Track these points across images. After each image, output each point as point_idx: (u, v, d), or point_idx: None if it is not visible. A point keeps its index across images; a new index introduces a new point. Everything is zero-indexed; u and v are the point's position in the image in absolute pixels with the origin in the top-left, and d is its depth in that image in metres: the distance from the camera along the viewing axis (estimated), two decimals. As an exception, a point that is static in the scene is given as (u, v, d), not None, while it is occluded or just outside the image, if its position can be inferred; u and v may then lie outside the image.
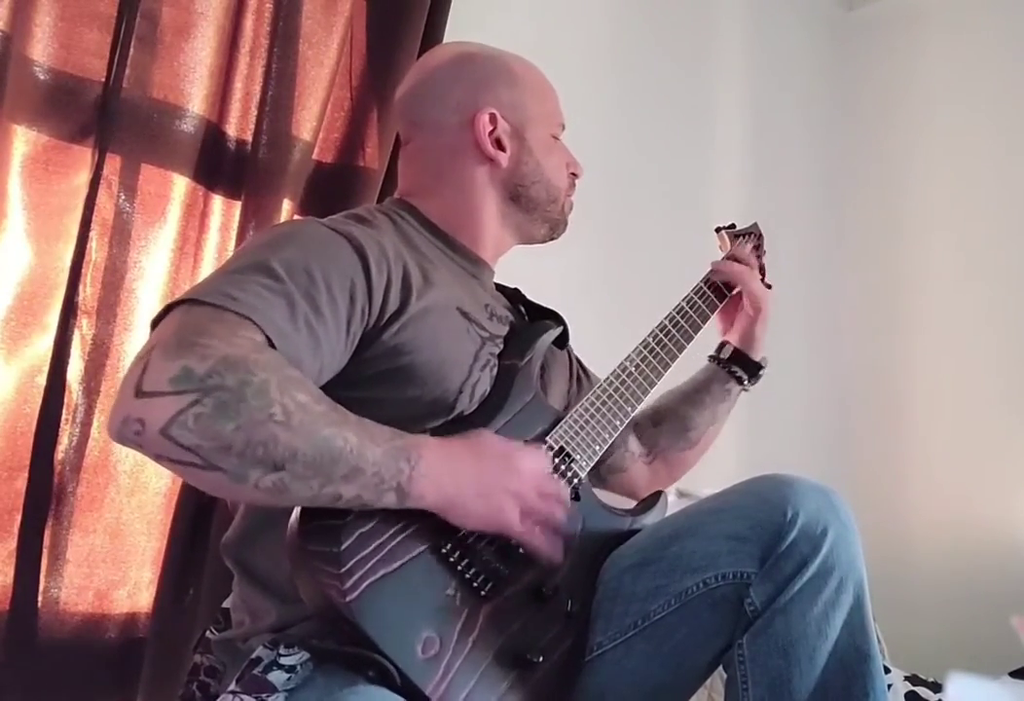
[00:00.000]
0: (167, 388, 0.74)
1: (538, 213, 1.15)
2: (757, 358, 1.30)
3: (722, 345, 1.31)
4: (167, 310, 0.84)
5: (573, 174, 1.19)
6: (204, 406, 0.73)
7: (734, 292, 1.29)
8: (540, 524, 0.90)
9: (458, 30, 1.59)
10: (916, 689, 1.70)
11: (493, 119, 1.10)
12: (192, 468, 0.75)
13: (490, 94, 1.11)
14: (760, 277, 1.35)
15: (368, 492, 0.80)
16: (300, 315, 0.85)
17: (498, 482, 0.87)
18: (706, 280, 1.27)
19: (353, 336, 0.91)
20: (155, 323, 0.84)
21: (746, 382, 1.30)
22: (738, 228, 1.37)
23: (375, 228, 1.00)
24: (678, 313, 1.20)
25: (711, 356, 1.31)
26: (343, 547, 0.80)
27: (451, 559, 0.86)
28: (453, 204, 1.11)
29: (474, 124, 1.09)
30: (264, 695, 0.79)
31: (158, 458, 0.76)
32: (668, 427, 1.29)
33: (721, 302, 1.27)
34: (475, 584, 0.87)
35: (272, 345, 0.82)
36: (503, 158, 1.10)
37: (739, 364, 1.29)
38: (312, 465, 0.77)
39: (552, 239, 1.20)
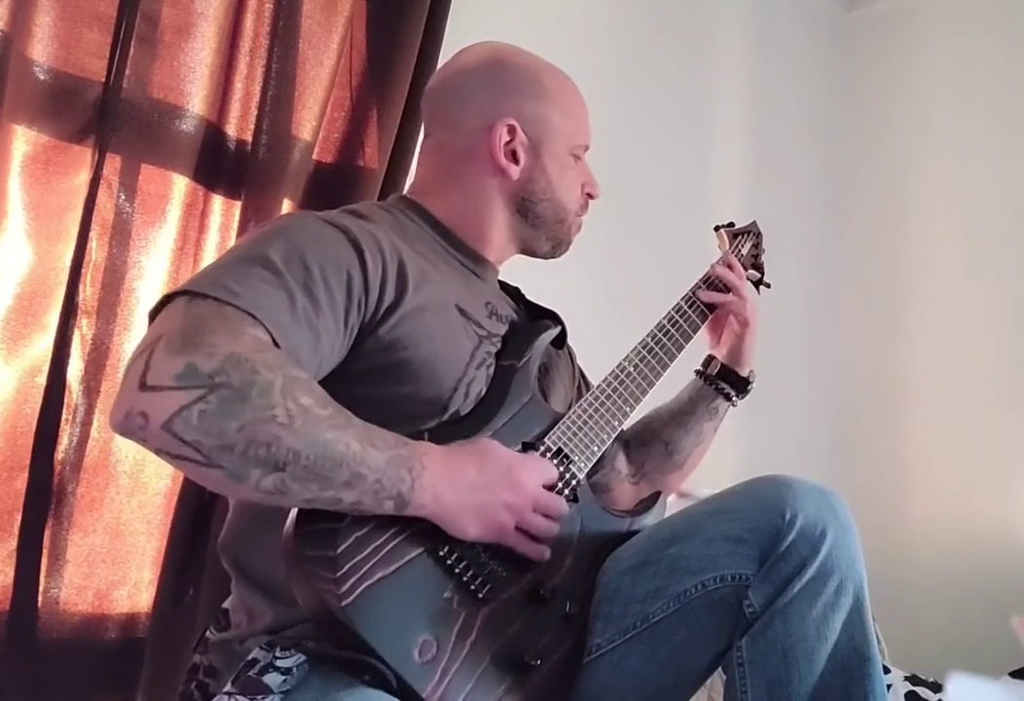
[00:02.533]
0: (172, 383, 0.74)
1: (543, 230, 1.13)
2: (744, 373, 1.25)
3: (709, 359, 1.27)
4: (166, 300, 0.84)
5: (588, 195, 1.16)
6: (209, 403, 0.73)
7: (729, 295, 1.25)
8: (532, 536, 0.91)
9: (458, 30, 1.59)
10: (916, 689, 1.70)
11: (512, 130, 1.08)
12: (193, 464, 0.75)
13: (513, 104, 1.09)
14: (759, 277, 1.34)
15: (368, 498, 0.80)
16: (299, 309, 0.85)
17: (497, 497, 0.87)
18: (705, 278, 1.24)
19: (351, 329, 0.91)
20: (153, 314, 0.84)
21: (734, 398, 1.25)
22: (736, 226, 1.37)
23: (371, 222, 1.00)
24: (677, 312, 1.19)
25: (697, 371, 1.27)
26: (339, 551, 0.80)
27: (448, 562, 0.86)
28: (460, 207, 1.10)
29: (492, 132, 1.08)
30: (259, 697, 0.79)
31: (159, 452, 0.76)
32: (654, 449, 1.26)
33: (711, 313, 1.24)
34: (472, 587, 0.87)
35: (274, 340, 0.82)
36: (515, 171, 1.09)
37: (726, 380, 1.25)
38: (313, 468, 0.76)
39: (553, 257, 1.17)
